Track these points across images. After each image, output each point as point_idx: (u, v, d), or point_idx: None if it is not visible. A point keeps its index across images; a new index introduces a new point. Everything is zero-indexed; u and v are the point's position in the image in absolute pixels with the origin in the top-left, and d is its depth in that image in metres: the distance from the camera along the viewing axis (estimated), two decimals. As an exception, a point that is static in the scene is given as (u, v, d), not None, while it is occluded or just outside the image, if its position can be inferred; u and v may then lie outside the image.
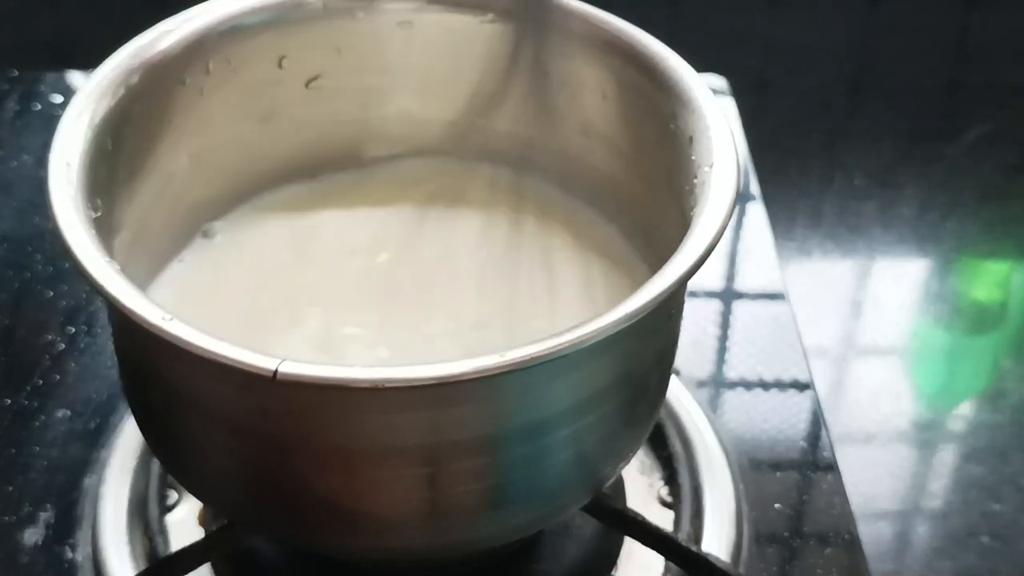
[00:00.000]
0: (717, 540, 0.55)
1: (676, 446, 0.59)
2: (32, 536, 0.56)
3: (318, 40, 0.53)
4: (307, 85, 0.54)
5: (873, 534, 0.71)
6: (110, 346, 0.53)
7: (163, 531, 0.55)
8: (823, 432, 0.62)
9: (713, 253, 0.42)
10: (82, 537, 0.56)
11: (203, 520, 0.56)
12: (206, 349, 0.38)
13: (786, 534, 0.57)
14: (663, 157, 0.48)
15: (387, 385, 0.38)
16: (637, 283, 0.41)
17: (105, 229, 0.44)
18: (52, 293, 0.67)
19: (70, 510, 0.57)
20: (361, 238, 0.53)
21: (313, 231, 0.54)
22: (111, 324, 0.48)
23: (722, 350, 0.66)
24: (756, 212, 0.73)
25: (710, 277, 0.70)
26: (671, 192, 0.47)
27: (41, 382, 0.62)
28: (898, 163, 0.98)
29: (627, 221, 0.53)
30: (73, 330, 0.65)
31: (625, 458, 0.48)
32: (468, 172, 0.56)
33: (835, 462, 0.60)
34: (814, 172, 0.98)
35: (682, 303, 0.48)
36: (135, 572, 0.53)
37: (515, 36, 0.51)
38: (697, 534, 0.56)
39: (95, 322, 0.65)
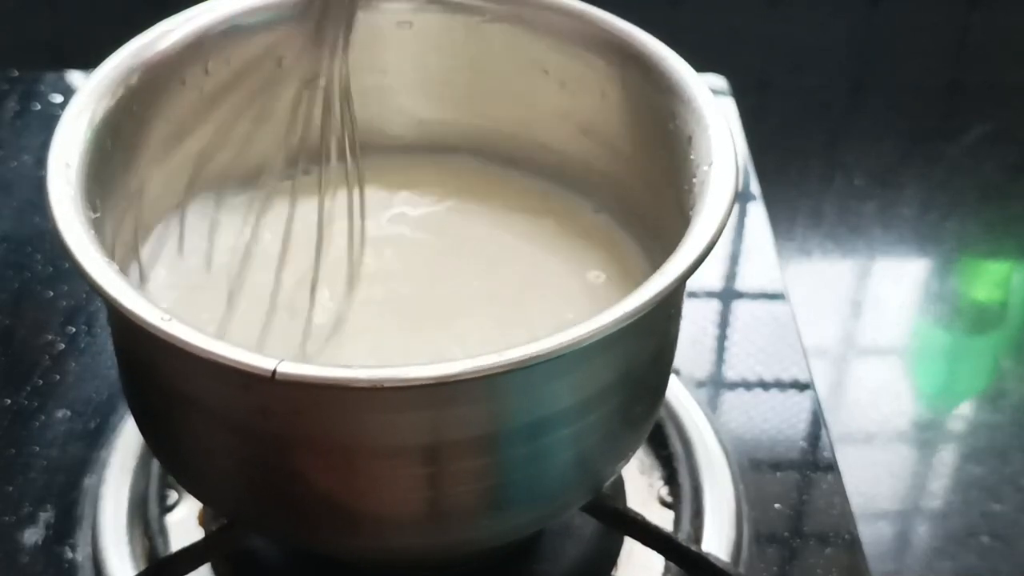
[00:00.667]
0: (717, 540, 0.55)
1: (676, 446, 0.59)
2: (32, 536, 0.56)
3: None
4: (306, 85, 0.54)
5: (873, 534, 0.71)
6: (110, 346, 0.53)
7: (163, 531, 0.55)
8: (823, 432, 0.62)
9: (712, 252, 0.41)
10: (82, 537, 0.56)
11: (203, 520, 0.56)
12: (205, 349, 0.38)
13: (786, 534, 0.57)
14: (662, 156, 0.48)
15: (386, 385, 0.38)
16: (639, 281, 0.41)
17: (104, 229, 0.44)
18: (52, 293, 0.67)
19: (70, 510, 0.57)
20: (360, 237, 0.53)
21: (312, 230, 0.54)
22: (111, 324, 0.48)
23: (722, 350, 0.66)
24: (756, 212, 0.73)
25: (710, 277, 0.70)
26: (671, 191, 0.47)
27: (41, 382, 0.62)
28: (898, 163, 0.98)
29: (628, 220, 0.53)
30: (73, 330, 0.65)
31: (625, 458, 0.48)
32: (467, 171, 0.56)
33: (835, 462, 0.60)
34: (814, 172, 0.98)
35: (681, 302, 0.48)
36: (135, 572, 0.53)
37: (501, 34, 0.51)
38: (697, 534, 0.56)
39: (95, 322, 0.65)
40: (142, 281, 0.51)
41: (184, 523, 0.56)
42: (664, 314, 0.46)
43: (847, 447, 0.76)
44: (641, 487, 0.58)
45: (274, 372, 0.37)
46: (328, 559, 0.51)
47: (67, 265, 0.44)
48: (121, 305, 0.39)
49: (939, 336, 0.87)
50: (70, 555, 0.55)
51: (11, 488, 0.58)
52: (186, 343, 0.38)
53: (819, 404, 0.63)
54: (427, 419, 0.41)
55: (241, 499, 0.46)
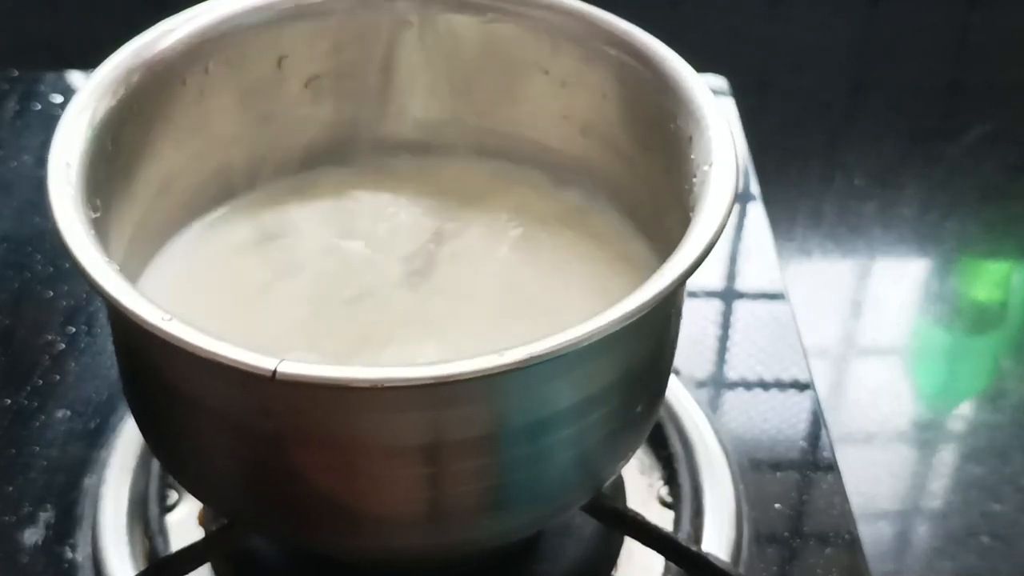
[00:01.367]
0: (717, 540, 0.55)
1: (676, 446, 0.59)
2: (32, 536, 0.56)
3: (317, 40, 0.53)
4: (306, 85, 0.54)
5: (873, 534, 0.71)
6: (110, 346, 0.53)
7: (163, 531, 0.55)
8: (823, 432, 0.62)
9: (713, 252, 0.41)
10: (82, 537, 0.56)
11: (203, 520, 0.56)
12: (205, 349, 0.38)
13: (786, 534, 0.57)
14: (663, 156, 0.48)
15: (386, 385, 0.38)
16: (639, 281, 0.41)
17: (104, 229, 0.44)
18: (52, 293, 0.67)
19: (70, 510, 0.57)
20: (360, 237, 0.53)
21: (311, 230, 0.54)
22: (111, 324, 0.48)
23: (722, 350, 0.66)
24: (756, 212, 0.73)
25: (710, 277, 0.70)
26: (671, 191, 0.47)
27: (41, 382, 0.62)
28: (899, 163, 0.98)
29: (628, 220, 0.53)
30: (73, 330, 0.65)
31: (625, 457, 0.48)
32: (467, 171, 0.56)
33: (835, 462, 0.60)
34: (814, 172, 0.99)
35: (682, 302, 0.48)
36: (135, 572, 0.53)
37: (501, 33, 0.52)
38: (697, 534, 0.56)
39: (95, 322, 0.65)
40: (142, 281, 0.51)
41: (184, 523, 0.56)
42: (664, 314, 0.46)
43: (847, 447, 0.76)
44: (641, 487, 0.58)
45: (274, 372, 0.37)
46: (328, 559, 0.51)
47: (67, 265, 0.44)
48: (121, 305, 0.39)
49: (939, 336, 0.87)
50: (70, 555, 0.55)
51: (11, 488, 0.58)
52: (186, 343, 0.38)
53: (819, 404, 0.63)
54: (427, 419, 0.41)
55: (241, 499, 0.46)
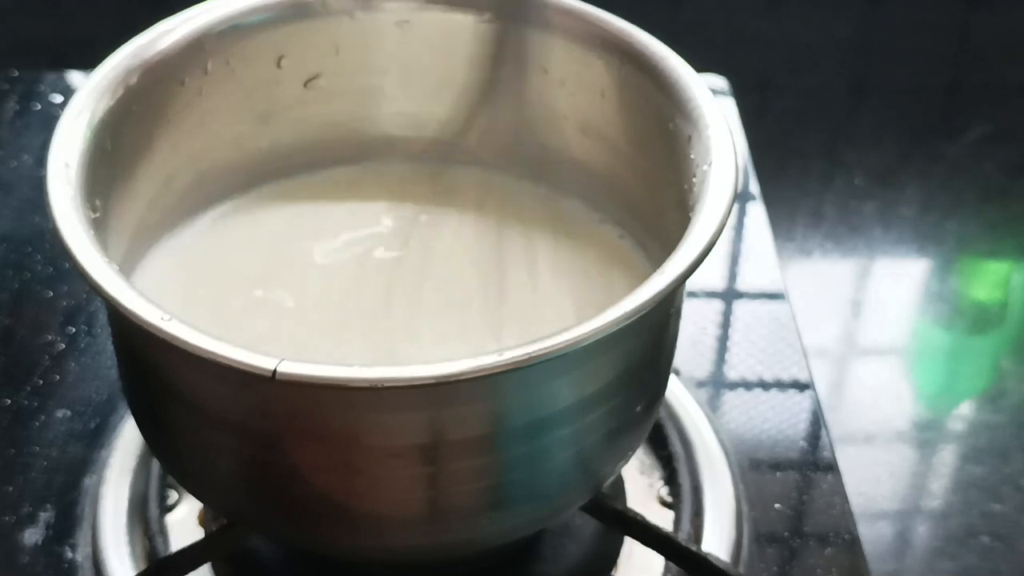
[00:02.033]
0: (717, 540, 0.55)
1: (676, 446, 0.59)
2: (32, 536, 0.56)
3: (317, 40, 0.53)
4: (305, 85, 0.54)
5: (873, 534, 0.71)
6: (110, 346, 0.53)
7: (163, 531, 0.55)
8: (823, 432, 0.62)
9: (712, 252, 0.41)
10: (82, 537, 0.56)
11: (203, 520, 0.56)
12: (205, 349, 0.38)
13: (786, 534, 0.57)
14: (662, 156, 0.48)
15: (386, 384, 0.38)
16: (639, 281, 0.41)
17: (104, 229, 0.44)
18: (52, 293, 0.67)
19: (70, 510, 0.57)
20: (358, 237, 0.53)
21: (310, 230, 0.54)
22: (111, 324, 0.48)
23: (722, 350, 0.66)
24: (756, 212, 0.73)
25: (710, 277, 0.70)
26: (670, 191, 0.47)
27: (41, 382, 0.62)
28: (899, 163, 0.98)
29: (628, 220, 0.53)
30: (73, 330, 0.65)
31: (625, 457, 0.48)
32: (467, 171, 0.56)
33: (835, 462, 0.60)
34: (814, 172, 0.98)
35: (681, 302, 0.48)
36: (135, 572, 0.53)
37: (500, 33, 0.51)
38: (697, 534, 0.56)
39: (95, 322, 0.65)
40: (140, 279, 0.51)
41: (184, 523, 0.56)
42: (664, 314, 0.46)
43: (847, 447, 0.76)
44: (641, 487, 0.58)
45: (274, 372, 0.37)
46: (328, 559, 0.51)
47: (67, 265, 0.44)
48: (121, 305, 0.39)
49: (939, 336, 0.87)
50: (70, 555, 0.55)
51: (11, 488, 0.58)
52: (186, 343, 0.38)
53: (819, 404, 0.63)
54: (427, 419, 0.41)
55: (241, 499, 0.46)
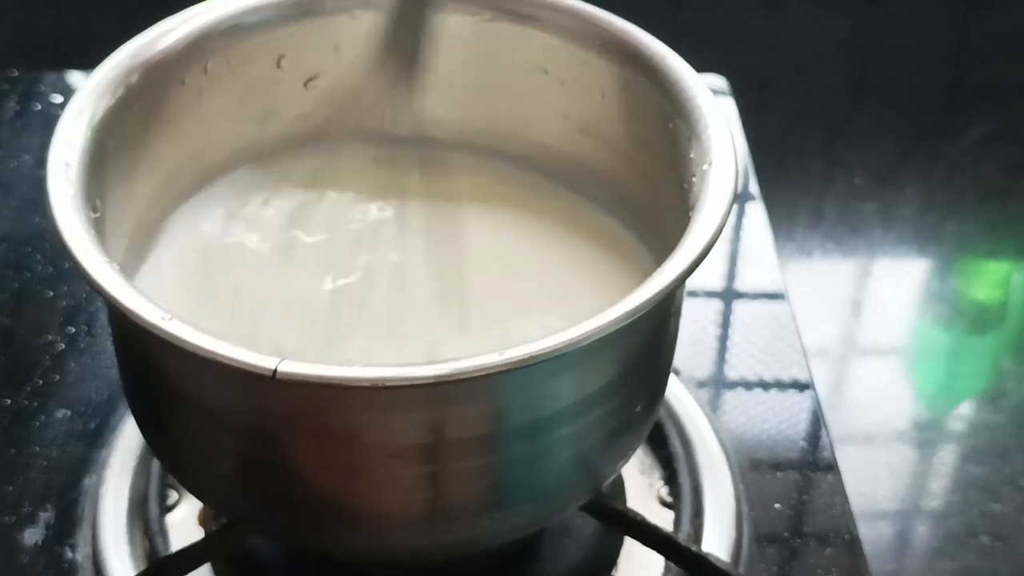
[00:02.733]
0: (717, 540, 0.55)
1: (676, 446, 0.59)
2: (32, 536, 0.56)
3: (317, 40, 0.53)
4: (305, 85, 0.54)
5: (873, 534, 0.71)
6: (110, 346, 0.53)
7: (163, 531, 0.55)
8: (823, 432, 0.62)
9: (712, 251, 0.41)
10: (82, 537, 0.56)
11: (203, 520, 0.56)
12: (205, 348, 0.38)
13: (786, 534, 0.57)
14: (662, 156, 0.48)
15: (386, 384, 0.38)
16: (641, 278, 0.41)
17: (104, 229, 0.44)
18: (52, 293, 0.67)
19: (70, 510, 0.57)
20: (358, 236, 0.53)
21: (310, 229, 0.54)
22: (111, 324, 0.48)
23: (722, 350, 0.66)
24: (756, 212, 0.73)
25: (710, 277, 0.70)
26: (671, 190, 0.47)
27: (41, 382, 0.62)
28: (899, 163, 0.98)
29: (629, 218, 0.53)
30: (73, 330, 0.65)
31: (625, 457, 0.48)
32: (466, 170, 0.56)
33: (835, 462, 0.60)
34: (814, 172, 0.98)
35: (681, 302, 0.48)
36: (135, 572, 0.53)
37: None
38: (697, 534, 0.56)
39: (95, 322, 0.65)
40: (140, 278, 0.51)
41: (184, 523, 0.56)
42: (664, 313, 0.46)
43: (847, 447, 0.76)
44: (641, 487, 0.58)
45: (275, 371, 0.37)
46: (328, 559, 0.51)
47: (67, 265, 0.44)
48: (121, 305, 0.39)
49: (939, 336, 0.87)
50: (70, 555, 0.55)
51: (11, 488, 0.58)
52: (186, 342, 0.38)
53: (819, 404, 0.63)
54: (427, 418, 0.41)
55: (241, 499, 0.46)
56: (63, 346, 0.64)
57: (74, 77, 0.80)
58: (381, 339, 0.49)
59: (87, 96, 0.47)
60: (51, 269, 0.68)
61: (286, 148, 0.55)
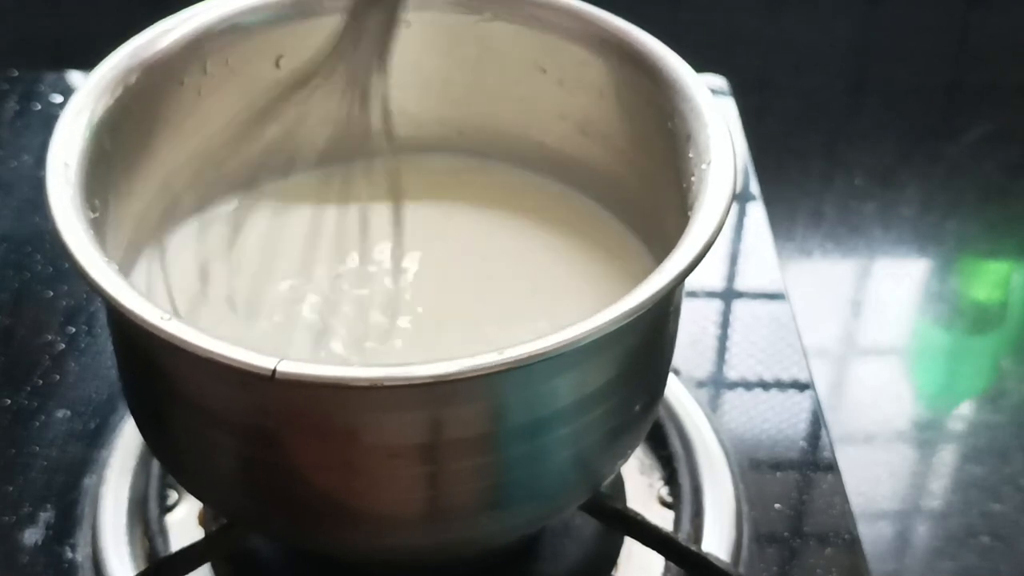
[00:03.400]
0: (717, 540, 0.55)
1: (676, 446, 0.59)
2: (32, 536, 0.56)
3: (316, 40, 0.53)
4: (305, 85, 0.54)
5: (873, 534, 0.71)
6: (110, 346, 0.53)
7: (163, 531, 0.55)
8: (823, 432, 0.62)
9: (712, 251, 0.41)
10: (82, 537, 0.56)
11: (203, 520, 0.56)
12: (204, 348, 0.38)
13: (786, 534, 0.57)
14: (661, 155, 0.48)
15: (385, 384, 0.38)
16: (640, 277, 0.41)
17: (103, 229, 0.44)
18: (52, 293, 0.67)
19: (70, 510, 0.57)
20: (357, 237, 0.53)
21: (309, 229, 0.54)
22: (111, 324, 0.48)
23: (722, 350, 0.66)
24: (756, 212, 0.73)
25: (710, 277, 0.70)
26: (670, 190, 0.47)
27: (41, 382, 0.62)
28: (899, 163, 0.98)
29: (628, 218, 0.53)
30: (73, 330, 0.65)
31: (624, 456, 0.48)
32: (466, 170, 0.56)
33: (835, 462, 0.60)
34: (815, 172, 0.98)
35: (680, 301, 0.48)
36: (135, 572, 0.53)
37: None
38: (697, 534, 0.56)
39: (95, 322, 0.65)
40: (141, 280, 0.51)
41: (184, 523, 0.56)
42: (663, 313, 0.46)
43: (847, 447, 0.76)
44: (641, 487, 0.58)
45: (274, 371, 0.37)
46: (328, 559, 0.51)
47: (67, 265, 0.44)
48: (121, 305, 0.39)
49: (939, 336, 0.87)
50: (70, 555, 0.55)
51: (11, 488, 0.58)
52: (186, 342, 0.38)
53: (819, 404, 0.63)
54: (426, 418, 0.41)
55: (241, 499, 0.46)
56: (63, 346, 0.64)
57: (74, 77, 0.80)
58: (376, 340, 0.49)
59: (86, 96, 0.47)
60: (51, 269, 0.68)
61: (285, 150, 0.55)
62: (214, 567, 0.54)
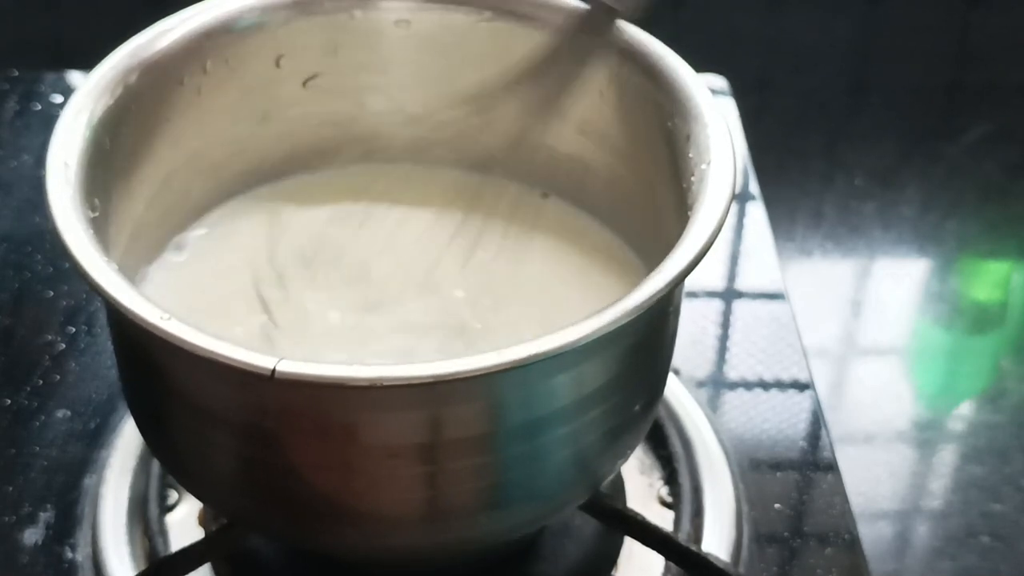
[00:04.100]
0: (717, 540, 0.55)
1: (676, 446, 0.59)
2: (32, 536, 0.56)
3: (316, 40, 0.53)
4: (304, 84, 0.54)
5: (873, 534, 0.71)
6: (110, 346, 0.53)
7: (163, 531, 0.55)
8: (823, 432, 0.62)
9: (712, 251, 0.41)
10: (82, 537, 0.56)
11: (203, 520, 0.56)
12: (204, 348, 0.38)
13: (786, 534, 0.57)
14: (661, 155, 0.48)
15: (385, 384, 0.38)
16: (634, 281, 0.41)
17: (103, 229, 0.44)
18: (52, 293, 0.67)
19: (70, 510, 0.57)
20: (357, 236, 0.53)
21: (309, 230, 0.54)
22: (111, 324, 0.48)
23: (722, 350, 0.66)
24: (756, 212, 0.73)
25: (710, 277, 0.70)
26: (669, 190, 0.47)
27: (41, 382, 0.62)
28: (899, 163, 0.98)
29: (625, 219, 0.53)
30: (73, 330, 0.65)
31: (623, 456, 0.48)
32: (466, 170, 0.56)
33: (835, 462, 0.60)
34: (814, 172, 0.98)
35: (680, 301, 0.48)
36: (135, 572, 0.53)
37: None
38: (697, 534, 0.56)
39: (95, 322, 0.65)
40: (142, 282, 0.51)
41: (184, 523, 0.56)
42: (662, 313, 0.46)
43: (847, 447, 0.76)
44: (641, 487, 0.58)
45: (273, 371, 0.37)
46: (328, 559, 0.51)
47: (67, 265, 0.44)
48: (121, 305, 0.39)
49: (939, 336, 0.87)
50: (70, 555, 0.55)
51: (11, 488, 0.58)
52: (186, 342, 0.38)
53: (819, 404, 0.63)
54: (426, 418, 0.41)
55: (241, 499, 0.46)
56: (63, 346, 0.64)
57: (74, 77, 0.80)
58: (373, 346, 0.49)
59: (86, 96, 0.47)
60: (51, 269, 0.68)
61: (286, 150, 0.55)
62: (214, 567, 0.54)
